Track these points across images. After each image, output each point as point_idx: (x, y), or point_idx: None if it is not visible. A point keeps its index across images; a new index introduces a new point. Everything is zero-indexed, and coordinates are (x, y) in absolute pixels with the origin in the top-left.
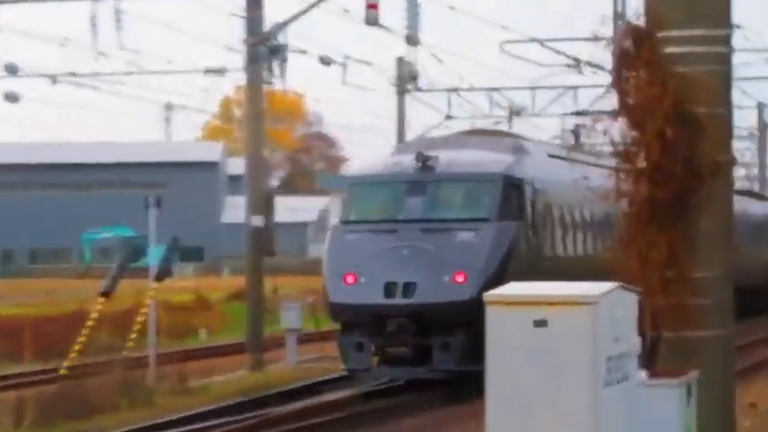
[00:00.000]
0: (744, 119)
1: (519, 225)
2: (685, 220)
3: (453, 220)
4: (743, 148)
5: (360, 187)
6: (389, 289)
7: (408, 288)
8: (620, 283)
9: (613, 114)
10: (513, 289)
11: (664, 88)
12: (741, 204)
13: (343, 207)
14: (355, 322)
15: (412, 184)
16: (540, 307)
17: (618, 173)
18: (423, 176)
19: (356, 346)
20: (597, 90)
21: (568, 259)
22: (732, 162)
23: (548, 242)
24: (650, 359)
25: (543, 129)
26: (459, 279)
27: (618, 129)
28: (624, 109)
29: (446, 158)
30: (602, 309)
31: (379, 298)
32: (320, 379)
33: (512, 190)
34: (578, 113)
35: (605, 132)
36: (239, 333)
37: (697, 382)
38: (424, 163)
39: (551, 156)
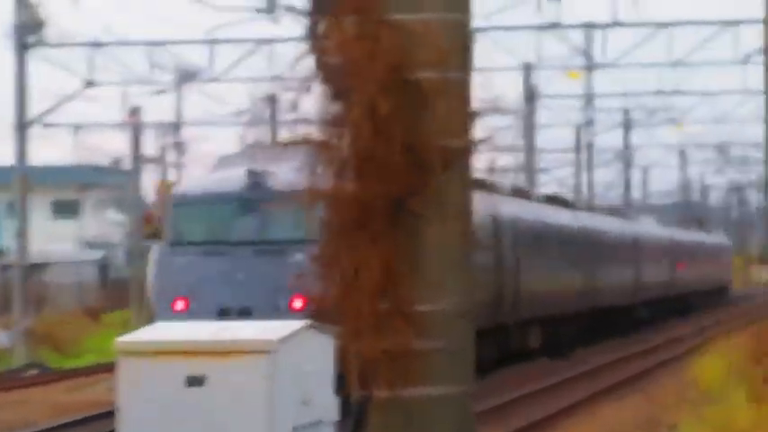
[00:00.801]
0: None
1: None
2: (406, 230)
3: (286, 242)
4: (506, 127)
5: (185, 207)
6: (224, 315)
7: (244, 314)
8: (310, 322)
9: (310, 81)
10: (157, 333)
11: (376, 44)
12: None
13: (167, 227)
14: None
15: (243, 201)
16: (194, 357)
17: (314, 164)
18: (253, 194)
19: None
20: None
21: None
22: (470, 148)
23: None
24: (358, 430)
25: (226, 100)
26: (297, 305)
27: (315, 101)
28: (322, 73)
29: (277, 173)
30: (282, 359)
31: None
32: None
33: None
34: (276, 78)
35: (294, 107)
36: None
37: None
38: (254, 180)
39: None
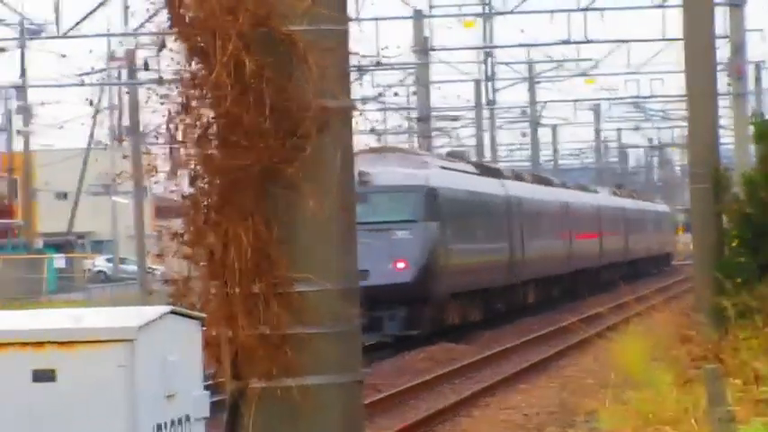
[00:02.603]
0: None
1: (437, 224)
2: (280, 202)
3: (391, 222)
4: (396, 83)
5: None
6: None
7: (362, 274)
8: (174, 307)
9: (165, 36)
10: None
11: None
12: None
13: None
14: None
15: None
16: (41, 349)
17: (173, 132)
18: (365, 188)
19: None
20: None
21: (467, 249)
22: (350, 109)
23: (453, 235)
24: (231, 426)
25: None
26: (400, 266)
27: (174, 58)
28: (179, 27)
29: (380, 173)
30: (142, 348)
31: None
32: None
33: (431, 197)
34: (130, 34)
35: (146, 66)
36: None
37: None
38: (363, 178)
39: (443, 168)
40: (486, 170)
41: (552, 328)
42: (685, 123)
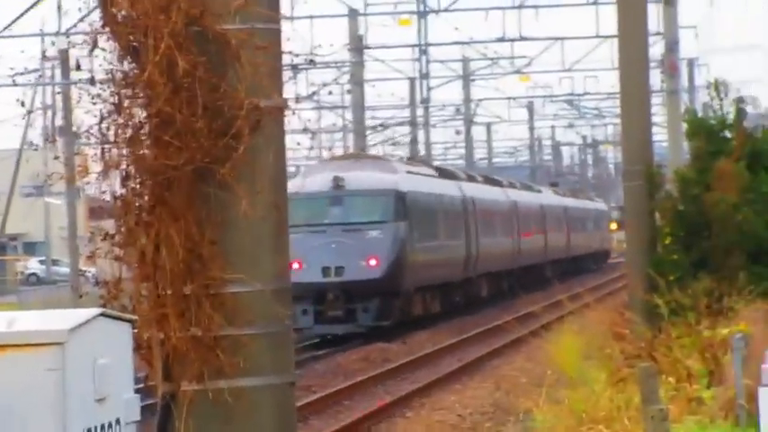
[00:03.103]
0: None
1: (405, 224)
2: (212, 203)
3: (363, 222)
4: (330, 81)
5: (295, 201)
6: (326, 272)
7: (339, 271)
8: (105, 309)
9: (97, 35)
10: None
11: None
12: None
13: None
14: (301, 295)
15: (332, 198)
16: None
17: (105, 132)
18: (339, 192)
19: (302, 311)
20: None
21: (430, 246)
22: (282, 108)
23: (419, 234)
24: (163, 429)
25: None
26: (372, 262)
27: (106, 58)
28: (111, 26)
29: (353, 178)
30: (72, 351)
31: (318, 277)
32: None
33: (399, 200)
34: (63, 33)
35: (78, 66)
36: None
37: None
38: (338, 182)
39: (409, 172)
40: (444, 173)
41: (487, 327)
42: (619, 121)
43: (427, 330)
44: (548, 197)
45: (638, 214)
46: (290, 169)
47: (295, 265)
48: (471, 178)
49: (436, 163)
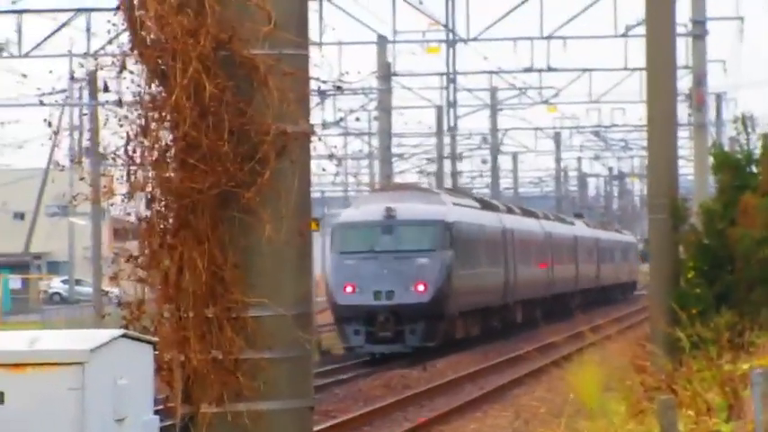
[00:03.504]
0: (363, 62)
1: (451, 252)
2: (236, 227)
3: (413, 251)
4: (358, 109)
5: (350, 229)
6: (377, 296)
7: (389, 295)
8: (126, 331)
9: (126, 57)
10: None
11: (199, 17)
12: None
13: (336, 241)
14: (354, 316)
15: (384, 227)
16: None
17: (132, 154)
18: (391, 221)
19: (354, 332)
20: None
21: (473, 274)
22: (308, 133)
23: (463, 262)
24: None
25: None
26: (421, 288)
27: (134, 80)
28: (140, 49)
29: (403, 208)
30: (93, 371)
31: (370, 300)
32: None
33: (446, 230)
34: (91, 55)
35: (106, 88)
36: None
37: None
38: (389, 213)
39: (455, 204)
40: (485, 205)
41: (509, 356)
42: (645, 153)
43: (448, 357)
44: (580, 229)
45: (663, 247)
46: (315, 195)
47: (348, 289)
48: (510, 210)
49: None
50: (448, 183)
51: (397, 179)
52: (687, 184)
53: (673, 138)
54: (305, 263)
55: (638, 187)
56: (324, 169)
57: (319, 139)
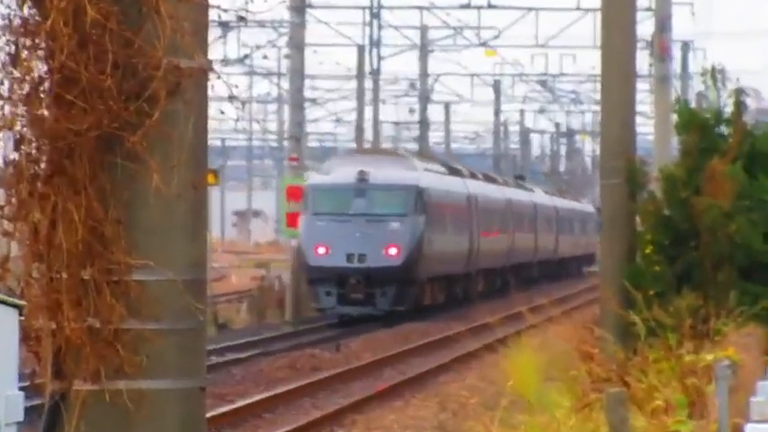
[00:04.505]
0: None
1: (423, 218)
2: (120, 175)
3: (385, 215)
4: (265, 45)
5: (323, 191)
6: (350, 257)
7: (361, 257)
8: None
9: None
10: None
11: None
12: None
13: (309, 203)
14: (326, 278)
15: (357, 190)
16: None
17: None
18: (364, 185)
19: (326, 293)
20: None
21: (444, 239)
22: (206, 70)
23: (433, 228)
24: None
25: None
26: (393, 252)
27: (3, 1)
28: None
29: (376, 173)
30: None
31: (343, 263)
32: None
33: (419, 195)
34: None
35: None
36: None
37: None
38: (362, 176)
39: (426, 170)
40: (451, 170)
41: (436, 337)
42: (599, 108)
43: (364, 337)
44: (540, 197)
45: (616, 217)
46: (214, 143)
47: (321, 250)
48: (473, 175)
49: (384, 145)
50: (368, 135)
51: (310, 127)
52: (646, 144)
53: (630, 91)
54: (199, 221)
55: (589, 147)
56: (222, 112)
57: (219, 78)
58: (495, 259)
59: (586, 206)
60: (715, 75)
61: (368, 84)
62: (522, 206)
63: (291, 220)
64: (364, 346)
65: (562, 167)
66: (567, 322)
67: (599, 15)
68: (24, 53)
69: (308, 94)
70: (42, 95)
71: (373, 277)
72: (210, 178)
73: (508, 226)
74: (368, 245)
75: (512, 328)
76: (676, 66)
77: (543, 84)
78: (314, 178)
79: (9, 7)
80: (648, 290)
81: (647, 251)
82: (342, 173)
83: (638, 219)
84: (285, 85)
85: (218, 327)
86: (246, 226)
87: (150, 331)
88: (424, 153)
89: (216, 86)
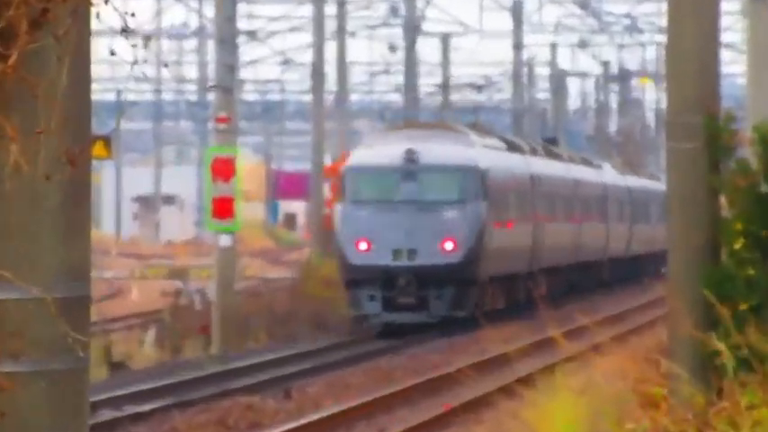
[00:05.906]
0: None
1: (485, 204)
2: None
3: (439, 202)
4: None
5: (363, 174)
6: (396, 254)
7: (411, 254)
8: None
9: None
10: None
11: None
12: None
13: (347, 189)
14: (369, 279)
15: (405, 173)
16: None
17: None
18: (413, 166)
19: (369, 297)
20: None
21: (508, 232)
22: (88, 6)
23: (497, 218)
24: None
25: None
26: (449, 246)
27: None
28: None
29: (427, 151)
30: None
31: (388, 260)
32: None
33: (479, 177)
34: None
35: None
36: None
37: None
38: (410, 156)
39: (485, 146)
40: (512, 146)
41: (425, 378)
42: (665, 39)
43: (326, 376)
44: (610, 175)
45: (690, 197)
46: (106, 97)
47: (362, 246)
48: (534, 151)
49: (354, 97)
50: (331, 85)
51: (246, 73)
52: (736, 91)
53: (712, 13)
54: (78, 213)
55: (651, 96)
56: (113, 53)
57: (107, 3)
58: (561, 256)
59: (662, 185)
60: None
61: (330, 9)
62: (592, 188)
63: (220, 208)
64: (326, 390)
65: (613, 126)
66: (621, 351)
67: None
68: None
69: (242, 24)
70: None
71: (426, 277)
72: (98, 149)
73: (574, 214)
74: (419, 238)
75: (539, 360)
76: None
77: (584, 5)
78: (352, 158)
79: None
80: (739, 303)
81: (737, 247)
82: (385, 152)
83: (722, 199)
84: (209, 12)
85: (112, 366)
86: (154, 218)
87: (5, 376)
88: (477, 125)
89: (104, 15)
